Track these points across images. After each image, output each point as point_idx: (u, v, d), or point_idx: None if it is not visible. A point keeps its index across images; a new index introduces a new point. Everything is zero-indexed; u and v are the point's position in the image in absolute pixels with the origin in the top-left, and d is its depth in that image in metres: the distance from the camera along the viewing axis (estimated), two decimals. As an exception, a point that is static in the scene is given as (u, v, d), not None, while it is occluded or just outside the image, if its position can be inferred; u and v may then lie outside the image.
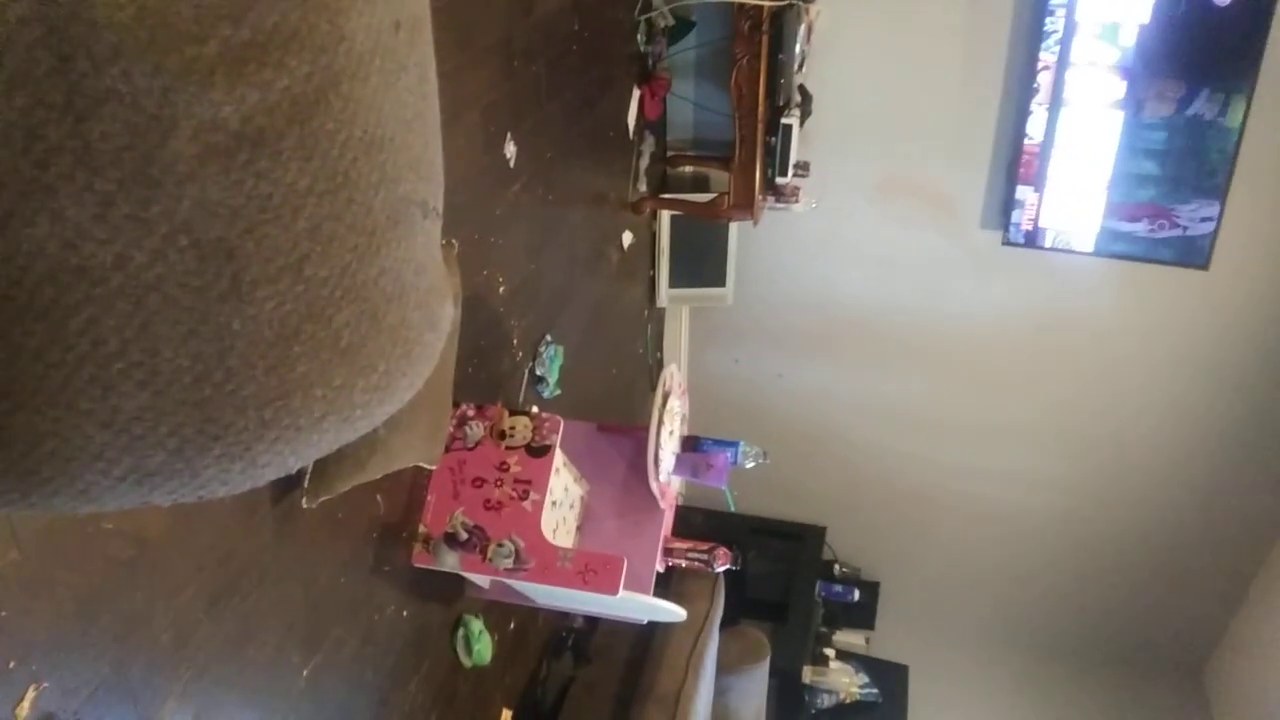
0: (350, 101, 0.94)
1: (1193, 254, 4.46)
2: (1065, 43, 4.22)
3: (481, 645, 3.24)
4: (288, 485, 2.27)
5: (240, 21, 0.84)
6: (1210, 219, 4.36)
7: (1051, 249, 4.66)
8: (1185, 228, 4.41)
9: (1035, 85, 4.32)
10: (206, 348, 0.92)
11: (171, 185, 0.86)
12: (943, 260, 4.98)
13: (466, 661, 3.23)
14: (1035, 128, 4.40)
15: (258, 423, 0.96)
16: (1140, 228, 4.47)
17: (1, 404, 0.89)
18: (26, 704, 1.64)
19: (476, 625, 3.24)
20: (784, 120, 4.20)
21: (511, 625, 3.59)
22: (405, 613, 2.87)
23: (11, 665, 1.61)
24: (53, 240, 0.84)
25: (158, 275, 0.88)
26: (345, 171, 0.95)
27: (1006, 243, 4.71)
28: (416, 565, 2.80)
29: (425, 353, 1.13)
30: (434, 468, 2.80)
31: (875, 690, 5.36)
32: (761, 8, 3.96)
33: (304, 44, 0.88)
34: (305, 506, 2.29)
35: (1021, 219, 4.60)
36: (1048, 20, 4.21)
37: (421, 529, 2.81)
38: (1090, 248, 4.59)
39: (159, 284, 0.88)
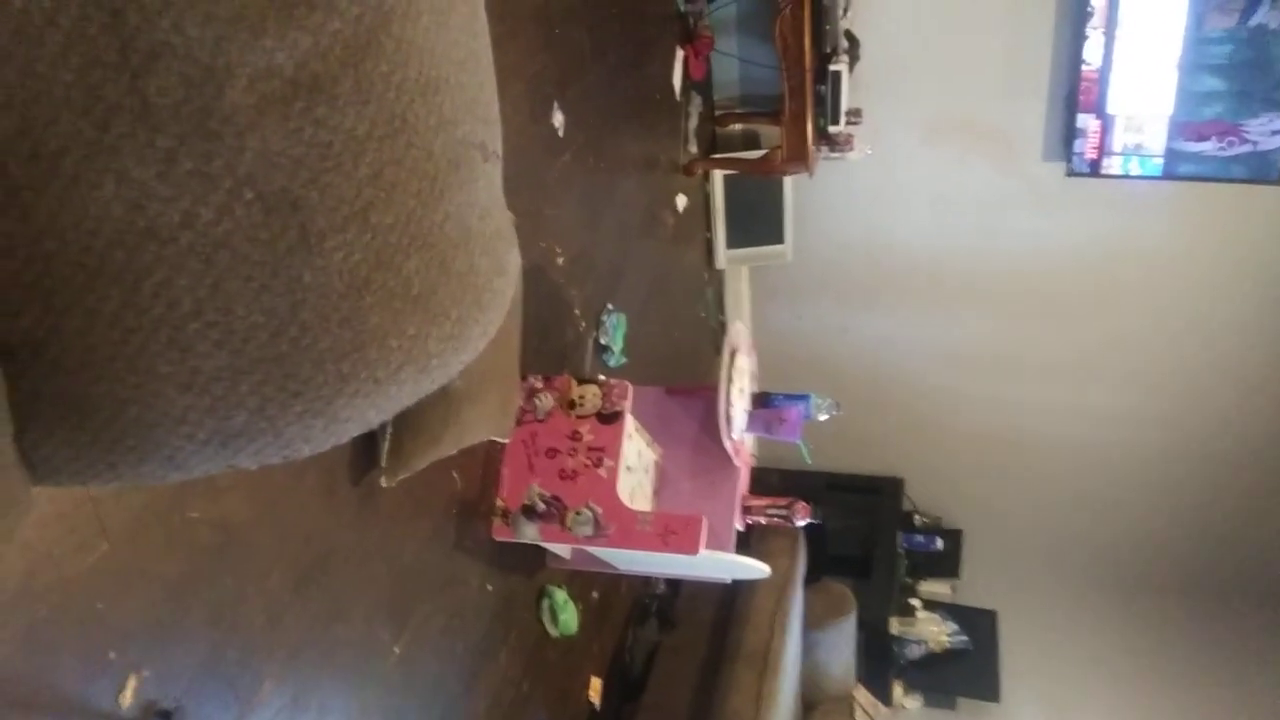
0: (403, 42, 0.92)
1: (1265, 169, 4.33)
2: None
3: (567, 615, 3.25)
4: (366, 466, 2.29)
5: (288, -36, 0.83)
6: (1280, 132, 4.24)
7: (1117, 176, 4.55)
8: (1256, 143, 4.28)
9: (1090, 8, 4.21)
10: (279, 303, 0.91)
11: (232, 137, 0.85)
12: (1004, 197, 4.89)
13: (553, 631, 3.24)
14: (1092, 52, 4.29)
15: (336, 376, 0.95)
16: (1209, 146, 4.35)
17: (82, 373, 0.89)
18: (129, 692, 1.66)
19: (561, 595, 3.25)
20: (832, 67, 4.14)
21: (595, 594, 3.60)
22: (490, 586, 2.88)
23: (111, 656, 1.64)
24: (119, 202, 0.84)
25: (226, 231, 0.87)
26: (403, 115, 0.94)
27: (1070, 174, 4.60)
28: (497, 539, 2.81)
29: (496, 299, 1.11)
30: (507, 441, 2.81)
31: (965, 637, 5.31)
32: (800, -45, 3.90)
33: (353, -15, 0.87)
34: (385, 485, 2.30)
35: (1084, 148, 4.49)
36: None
37: (499, 503, 2.81)
38: (1158, 171, 4.47)
39: (228, 240, 0.87)
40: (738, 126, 4.92)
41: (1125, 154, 4.47)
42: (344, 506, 2.24)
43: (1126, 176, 4.54)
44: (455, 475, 2.67)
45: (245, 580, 1.94)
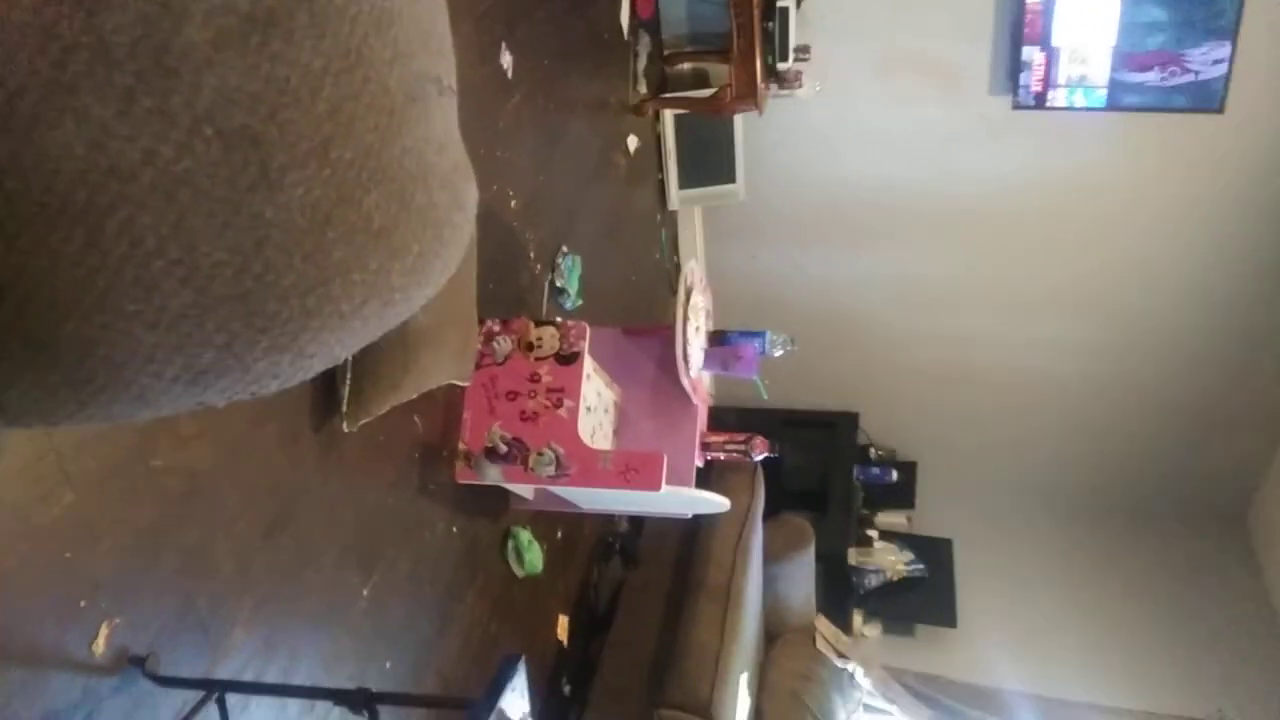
0: (355, -25, 0.93)
1: (1207, 98, 4.39)
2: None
3: (532, 555, 3.29)
4: (327, 411, 2.30)
5: (239, -102, 0.83)
6: (1222, 60, 4.29)
7: (1063, 108, 4.59)
8: (1197, 72, 4.33)
9: (1032, -60, 4.23)
10: (243, 239, 0.92)
11: (190, 74, 0.85)
12: (953, 131, 4.92)
13: (519, 572, 3.28)
14: (1035, -15, 4.32)
15: (301, 311, 0.97)
16: (1151, 77, 4.40)
17: (48, 314, 0.89)
18: (101, 640, 1.68)
19: (525, 536, 3.28)
20: (780, 3, 4.12)
21: (559, 534, 3.64)
22: (455, 529, 2.90)
23: (82, 604, 1.65)
24: (79, 141, 0.84)
25: (186, 168, 0.88)
26: (358, 49, 0.94)
27: (1017, 106, 4.64)
28: (460, 482, 2.83)
29: (456, 234, 1.12)
30: (466, 385, 2.82)
31: (921, 565, 5.42)
32: (745, -111, 3.88)
33: (304, -83, 0.87)
34: (346, 431, 2.31)
35: (1030, 80, 4.52)
36: None
37: (461, 446, 2.83)
38: (1102, 103, 4.52)
39: (189, 177, 0.88)
40: (687, 65, 4.91)
41: (1070, 86, 4.51)
42: (307, 453, 2.25)
43: (1071, 109, 4.58)
44: (416, 420, 2.69)
45: (213, 527, 1.95)
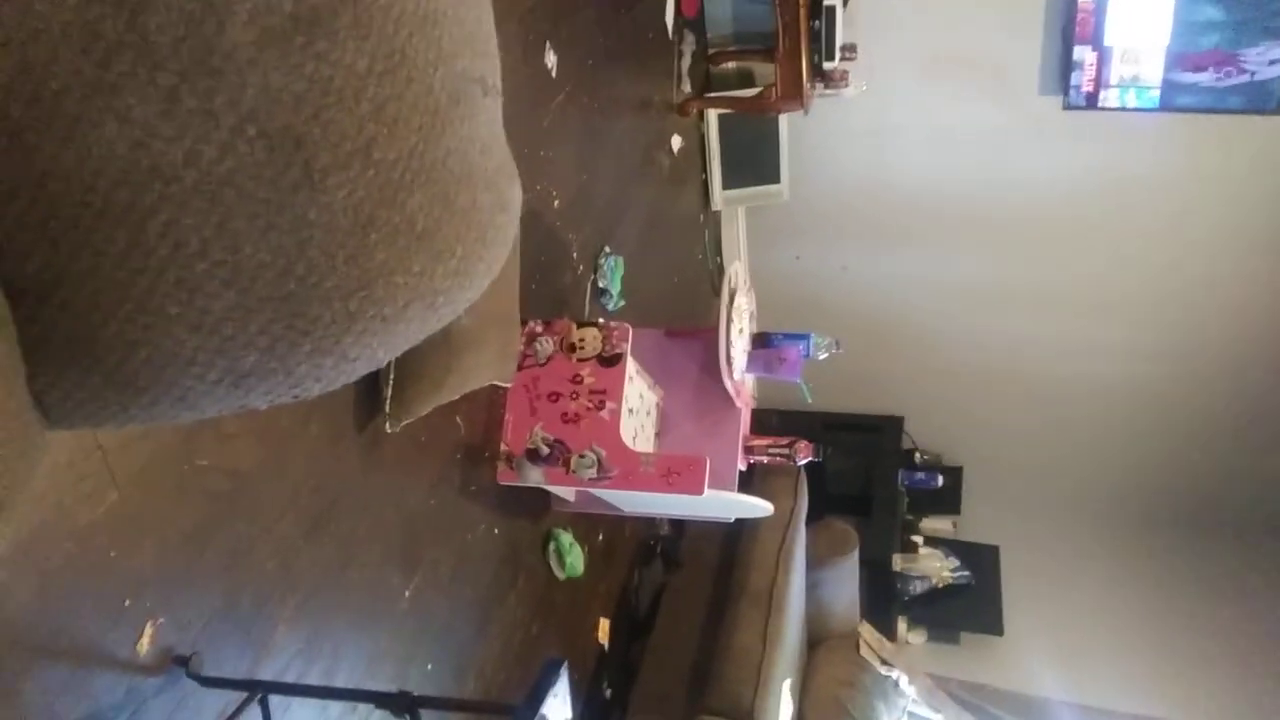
0: (400, -26, 0.92)
1: (1263, 99, 4.30)
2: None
3: (573, 557, 3.28)
4: (370, 412, 2.30)
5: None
6: (1279, 61, 4.20)
7: (1115, 109, 4.52)
8: (1253, 72, 4.25)
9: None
10: (286, 240, 0.91)
11: (233, 74, 0.84)
12: (1002, 131, 4.86)
13: (560, 574, 3.27)
14: (1088, -17, 4.26)
15: (344, 314, 0.96)
16: (1206, 77, 4.32)
17: (92, 316, 0.89)
18: (146, 639, 1.68)
19: (566, 538, 3.27)
20: (826, 2, 4.09)
21: (600, 536, 3.63)
22: (496, 530, 2.90)
23: (127, 603, 1.65)
24: (122, 141, 0.83)
25: (230, 169, 0.87)
26: (402, 49, 0.93)
27: (1068, 107, 4.58)
28: (502, 483, 2.83)
29: (499, 235, 1.11)
30: (509, 386, 2.82)
31: (967, 573, 5.36)
32: (792, -112, 3.85)
33: (349, -84, 0.86)
34: (389, 431, 2.31)
35: (1082, 81, 4.46)
36: None
37: (503, 447, 2.83)
38: (1155, 104, 4.45)
39: (232, 178, 0.87)
40: (732, 64, 4.88)
41: (1122, 86, 4.44)
42: (350, 453, 2.26)
43: (1123, 109, 4.51)
44: (459, 420, 2.69)
45: (256, 526, 1.96)
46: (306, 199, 0.90)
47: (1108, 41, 4.35)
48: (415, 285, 0.99)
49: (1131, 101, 4.46)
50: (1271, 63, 4.21)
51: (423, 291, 1.01)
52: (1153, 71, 4.36)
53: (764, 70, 4.64)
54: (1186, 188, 4.78)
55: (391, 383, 2.27)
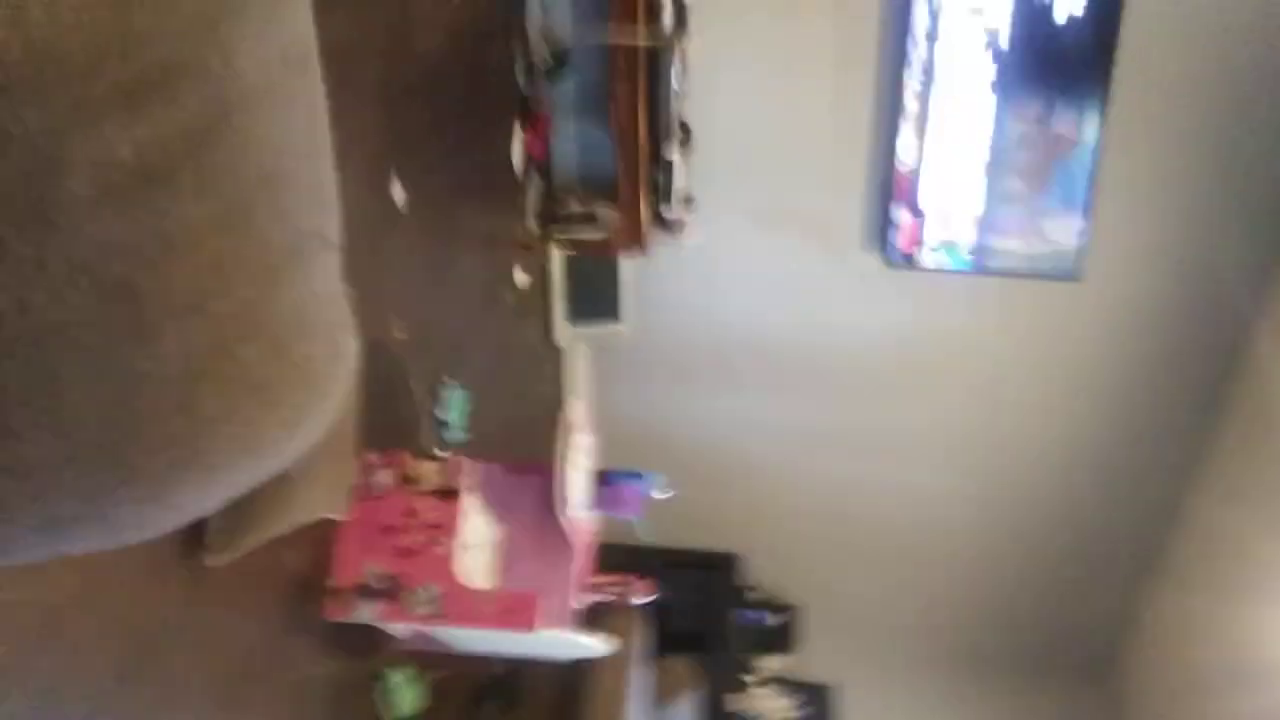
0: (243, 134, 0.94)
1: (1065, 267, 4.62)
2: (928, 66, 4.36)
3: (405, 697, 3.19)
4: (195, 543, 2.22)
5: (129, 57, 0.83)
6: (1080, 232, 4.53)
7: (930, 269, 4.78)
8: (1058, 242, 4.57)
9: (903, 106, 4.45)
10: (113, 390, 0.90)
11: (69, 226, 0.85)
12: (829, 283, 5.08)
13: (387, 716, 3.17)
14: (905, 149, 4.53)
15: (168, 464, 0.95)
16: (1015, 244, 4.62)
17: (-98, 460, 0.86)
18: (-66, 791, 1.57)
19: (397, 677, 3.18)
20: (665, 155, 4.25)
21: (435, 675, 3.53)
22: (325, 670, 2.81)
23: (-82, 754, 1.55)
24: (-52, 288, 0.83)
25: (60, 318, 0.87)
26: (242, 206, 0.95)
27: (888, 264, 4.82)
28: (330, 619, 2.75)
29: (333, 386, 1.12)
30: (342, 519, 2.76)
31: (800, 715, 5.38)
32: (635, 47, 4.02)
33: (194, 78, 0.88)
34: (210, 565, 2.24)
35: (899, 239, 4.70)
36: (909, 44, 4.34)
37: (333, 582, 2.76)
38: (968, 266, 4.72)
39: (62, 327, 0.87)
40: (577, 205, 5.00)
41: (938, 248, 4.71)
42: (172, 587, 2.17)
43: (938, 270, 4.78)
44: (289, 553, 2.61)
45: (66, 668, 1.85)
46: (137, 349, 0.90)
47: (922, 205, 4.61)
48: (245, 435, 0.99)
49: (946, 263, 4.73)
50: (1075, 234, 4.54)
51: (253, 441, 1.01)
52: (966, 235, 4.64)
53: (608, 212, 4.76)
54: (1000, 345, 5.06)
55: (219, 514, 2.21)
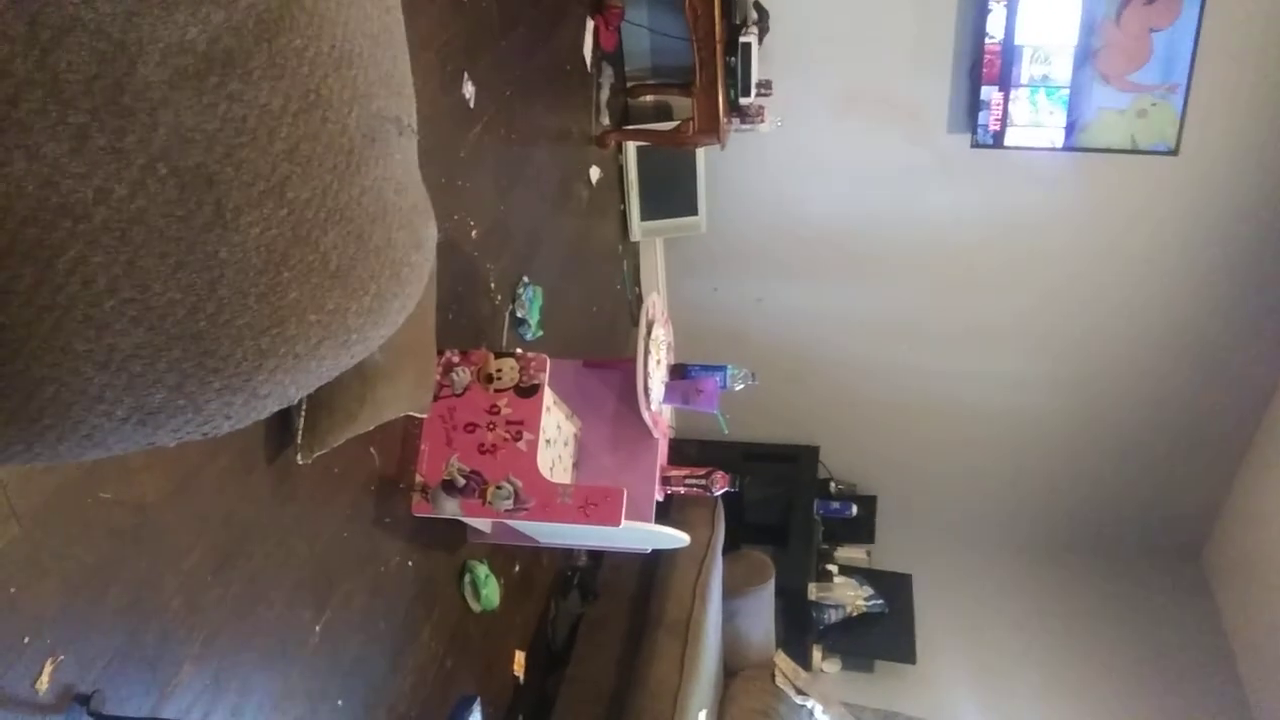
0: (315, 16, 0.92)
1: (1163, 142, 4.47)
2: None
3: (489, 589, 3.26)
4: (281, 443, 2.27)
5: (198, -62, 0.82)
6: (1180, 107, 4.37)
7: (1021, 147, 4.65)
8: (1153, 116, 4.41)
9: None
10: (197, 279, 0.90)
11: (145, 113, 0.84)
12: (913, 168, 4.97)
13: (475, 606, 3.25)
14: (995, 25, 4.37)
15: (255, 352, 0.95)
16: (1110, 118, 4.47)
17: (-5, 352, 0.88)
18: (45, 677, 1.64)
19: (482, 570, 3.25)
20: (742, 39, 4.16)
21: (517, 568, 3.61)
22: (410, 562, 2.87)
23: (26, 640, 1.61)
24: (31, 179, 0.83)
25: (140, 207, 0.86)
26: (317, 89, 0.94)
27: (975, 145, 4.69)
28: (417, 514, 2.80)
29: (414, 273, 1.12)
30: (424, 416, 2.80)
31: (881, 601, 5.42)
32: (709, -72, 3.91)
33: (264, -42, 0.86)
34: (300, 463, 2.28)
35: (988, 120, 4.58)
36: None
37: (418, 478, 2.80)
38: (1060, 142, 4.58)
39: (142, 216, 0.87)
40: (650, 97, 4.93)
41: (1028, 125, 4.56)
42: (260, 485, 2.22)
43: (1030, 148, 4.64)
44: (373, 451, 2.66)
45: (161, 562, 1.91)
46: (218, 237, 0.89)
47: (1014, 81, 4.47)
48: (328, 323, 0.99)
49: (1037, 141, 4.59)
50: (1175, 106, 4.38)
51: (335, 329, 1.01)
52: (1058, 111, 4.50)
53: (681, 104, 4.69)
54: (1090, 223, 4.93)
55: (304, 414, 2.24)
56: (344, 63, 0.96)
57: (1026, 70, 4.43)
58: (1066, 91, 4.44)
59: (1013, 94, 4.50)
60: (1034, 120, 4.52)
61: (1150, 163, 4.59)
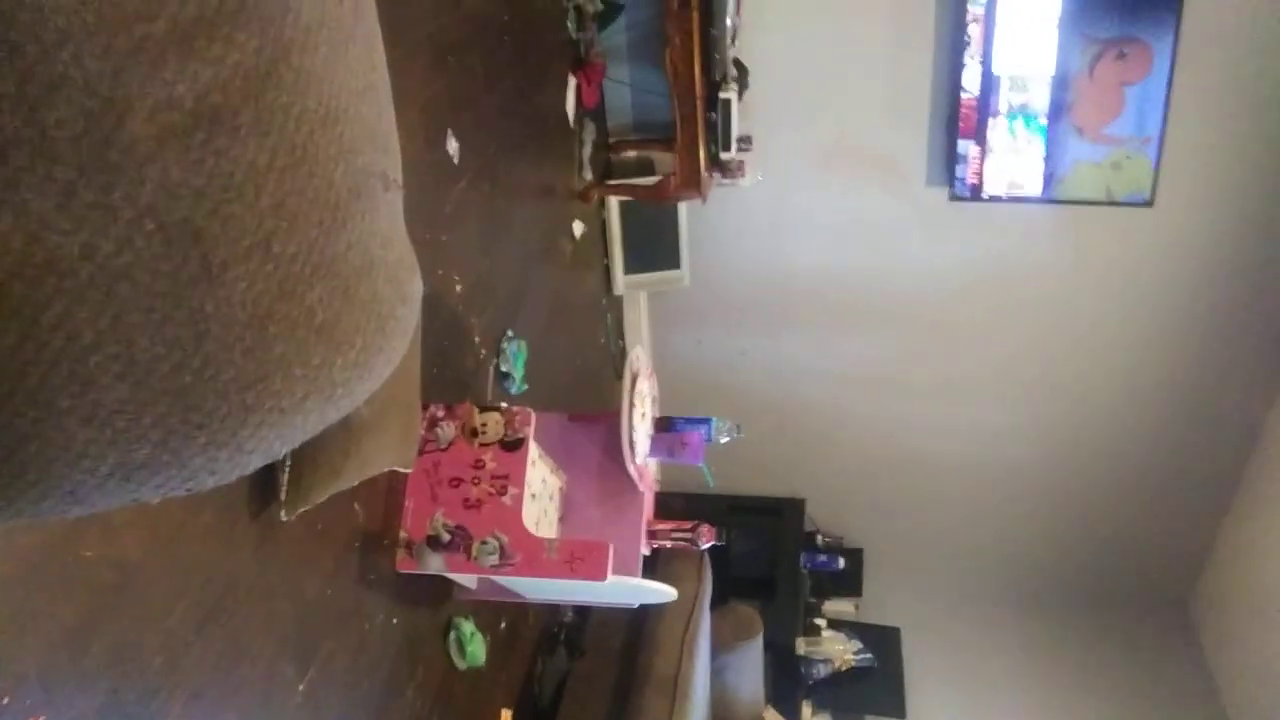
0: (302, 73, 0.93)
1: (1138, 193, 4.52)
2: (991, -5, 4.26)
3: (474, 646, 3.23)
4: (265, 499, 2.25)
5: (186, -3, 0.83)
6: (1154, 159, 4.44)
7: (998, 199, 4.70)
8: (1128, 168, 4.47)
9: (966, 37, 4.36)
10: (182, 333, 0.90)
11: (132, 169, 0.85)
12: (893, 221, 5.01)
13: (460, 664, 3.21)
14: (970, 80, 4.44)
15: (240, 407, 0.95)
16: (1085, 170, 4.52)
17: (-21, 409, 0.87)
18: (25, 740, 1.61)
19: (468, 627, 3.22)
20: (722, 95, 4.21)
21: (503, 624, 3.58)
22: (395, 620, 2.84)
23: (6, 701, 1.59)
24: (17, 234, 0.83)
25: (126, 263, 0.86)
26: (304, 145, 0.94)
27: (953, 197, 4.74)
28: (401, 571, 2.78)
29: (399, 327, 1.12)
30: (409, 471, 2.78)
31: (869, 655, 5.39)
32: (688, -13, 3.97)
33: (252, 17, 0.87)
34: (284, 519, 2.27)
35: (966, 172, 4.63)
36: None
37: (403, 534, 2.79)
38: (1037, 193, 4.63)
39: (128, 271, 0.87)
40: (632, 153, 4.97)
41: (1004, 178, 4.61)
42: (243, 542, 2.20)
43: (1006, 199, 4.69)
44: (357, 507, 2.64)
45: (144, 621, 1.89)
46: (204, 292, 0.90)
47: (990, 134, 4.52)
48: (314, 378, 0.99)
49: (1014, 193, 4.64)
50: (1149, 159, 4.44)
51: (321, 384, 1.00)
52: (1034, 163, 4.55)
53: (664, 159, 4.73)
54: (1069, 276, 4.98)
55: (288, 469, 2.23)
56: (330, 119, 0.97)
57: (1005, 99, 4.47)
58: (1045, 121, 4.49)
59: (990, 123, 4.53)
60: (1012, 148, 4.55)
61: (1127, 214, 4.65)
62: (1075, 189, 4.58)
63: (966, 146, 4.57)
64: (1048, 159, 4.52)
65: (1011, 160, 4.57)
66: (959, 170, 4.64)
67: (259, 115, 0.90)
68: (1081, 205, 4.65)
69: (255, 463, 1.02)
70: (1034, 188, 4.61)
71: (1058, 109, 4.42)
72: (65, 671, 1.70)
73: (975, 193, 4.68)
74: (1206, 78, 4.29)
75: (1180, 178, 4.50)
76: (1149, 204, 4.55)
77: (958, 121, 4.54)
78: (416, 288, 1.21)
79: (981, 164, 4.59)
